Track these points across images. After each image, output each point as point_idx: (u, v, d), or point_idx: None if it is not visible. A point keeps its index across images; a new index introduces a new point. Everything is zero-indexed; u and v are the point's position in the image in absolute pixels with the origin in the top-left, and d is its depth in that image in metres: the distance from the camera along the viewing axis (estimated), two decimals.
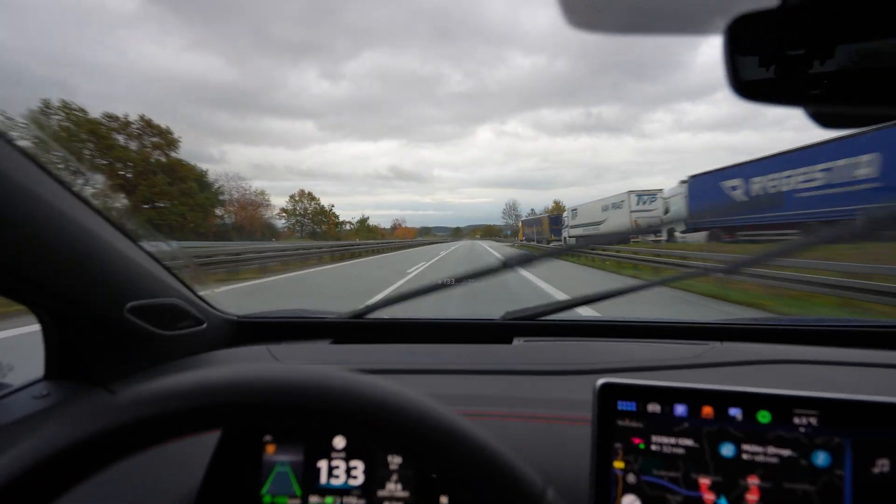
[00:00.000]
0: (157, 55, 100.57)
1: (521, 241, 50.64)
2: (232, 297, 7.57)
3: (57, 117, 33.25)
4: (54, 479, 0.36)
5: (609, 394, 0.50)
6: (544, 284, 8.44)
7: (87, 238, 0.73)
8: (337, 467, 0.63)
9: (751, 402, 0.47)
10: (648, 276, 9.69)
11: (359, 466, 0.63)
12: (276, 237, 52.65)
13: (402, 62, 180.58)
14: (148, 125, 39.82)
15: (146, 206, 35.96)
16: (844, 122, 0.45)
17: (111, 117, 38.23)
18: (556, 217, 48.96)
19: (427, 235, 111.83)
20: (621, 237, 26.43)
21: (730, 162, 21.45)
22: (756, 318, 1.14)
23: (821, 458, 0.45)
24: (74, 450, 0.36)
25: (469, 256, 21.07)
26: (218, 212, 46.61)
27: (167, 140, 40.46)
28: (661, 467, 0.48)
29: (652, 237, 25.27)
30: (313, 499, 0.62)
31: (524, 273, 11.34)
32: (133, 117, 39.37)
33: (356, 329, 1.14)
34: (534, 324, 1.11)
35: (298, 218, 66.28)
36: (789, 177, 15.28)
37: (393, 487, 0.62)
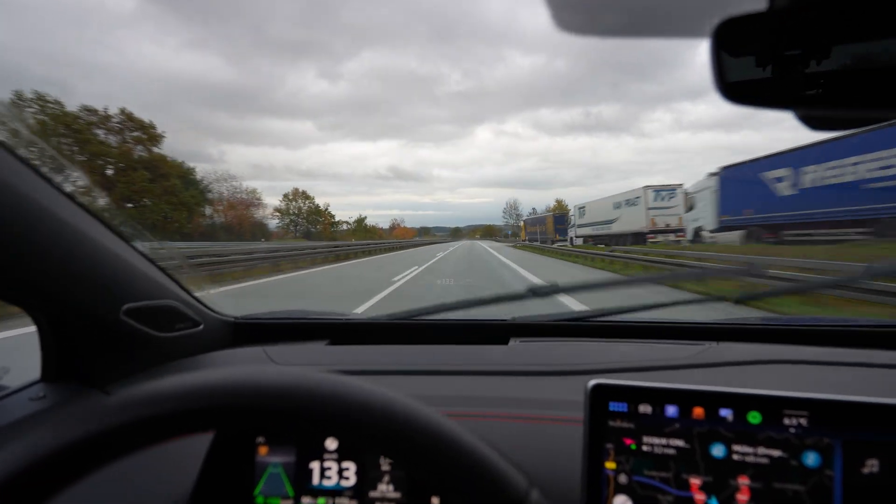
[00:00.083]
0: (156, 55, 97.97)
1: (524, 241, 48.75)
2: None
3: (31, 110, 31.22)
4: (48, 480, 0.37)
5: (601, 395, 0.50)
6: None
7: (82, 240, 0.73)
8: (329, 468, 0.64)
9: (741, 403, 0.47)
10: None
11: (351, 467, 0.64)
12: (267, 237, 50.75)
13: (401, 62, 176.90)
14: (129, 119, 37.74)
15: (129, 205, 34.00)
16: (832, 124, 0.45)
17: (90, 110, 36.15)
18: (560, 216, 47.00)
19: (426, 235, 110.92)
20: (636, 237, 24.43)
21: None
22: (753, 317, 1.14)
23: (811, 459, 0.45)
24: (68, 451, 0.38)
25: (468, 258, 19.96)
26: (207, 211, 44.94)
27: (149, 134, 38.37)
28: (653, 468, 0.48)
29: (672, 237, 23.21)
30: (305, 500, 0.63)
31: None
32: (113, 111, 37.40)
33: (353, 330, 1.16)
34: (531, 325, 1.13)
35: (293, 217, 64.31)
36: (856, 164, 13.07)
37: (385, 488, 0.62)
